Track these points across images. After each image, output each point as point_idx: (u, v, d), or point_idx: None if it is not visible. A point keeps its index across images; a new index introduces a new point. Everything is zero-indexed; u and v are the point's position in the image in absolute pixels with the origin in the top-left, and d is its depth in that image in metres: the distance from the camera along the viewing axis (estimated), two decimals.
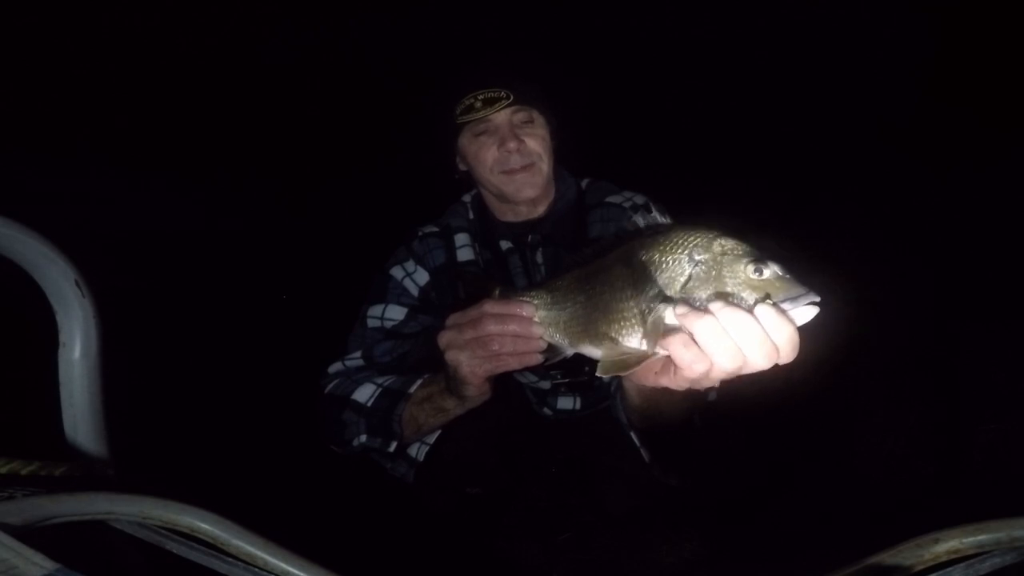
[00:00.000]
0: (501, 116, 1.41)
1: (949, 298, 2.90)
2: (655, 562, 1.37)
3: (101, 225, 2.61)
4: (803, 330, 0.69)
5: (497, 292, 1.01)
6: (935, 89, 4.42)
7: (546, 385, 1.55)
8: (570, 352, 0.93)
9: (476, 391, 1.08)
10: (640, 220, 0.85)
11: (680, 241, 0.76)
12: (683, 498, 1.45)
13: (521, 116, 1.43)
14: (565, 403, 1.56)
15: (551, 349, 0.95)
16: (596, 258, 0.89)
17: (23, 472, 0.72)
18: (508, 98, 1.39)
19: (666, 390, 0.83)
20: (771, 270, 0.70)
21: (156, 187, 3.51)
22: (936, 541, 0.60)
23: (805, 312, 0.69)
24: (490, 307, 0.97)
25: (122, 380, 0.94)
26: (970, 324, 2.69)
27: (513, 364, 0.98)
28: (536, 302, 0.95)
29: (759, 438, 2.04)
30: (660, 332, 0.74)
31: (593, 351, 0.87)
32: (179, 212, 3.49)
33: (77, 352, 0.87)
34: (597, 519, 1.40)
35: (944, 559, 0.60)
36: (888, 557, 0.60)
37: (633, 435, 1.44)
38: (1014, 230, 3.10)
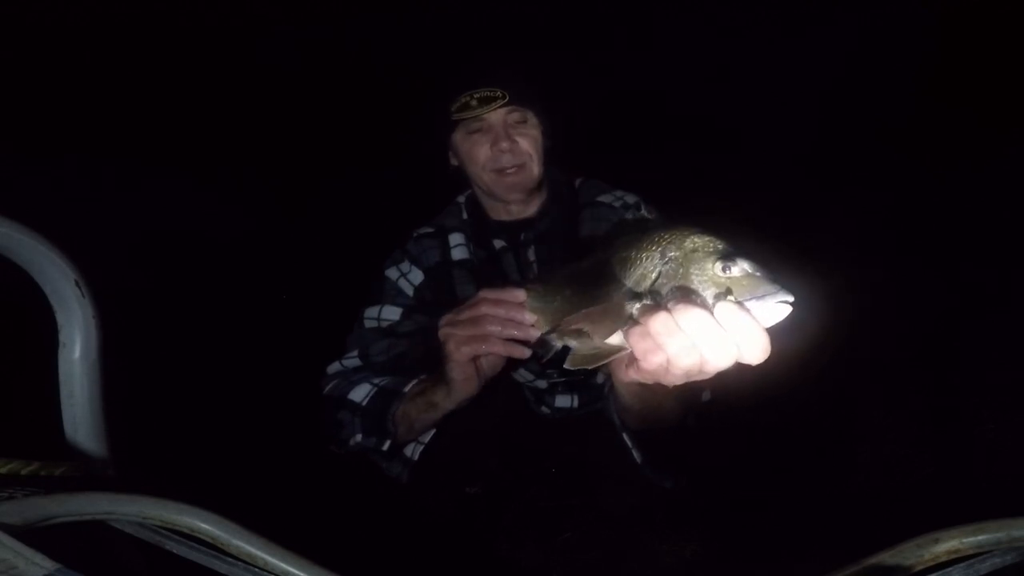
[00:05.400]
0: (495, 116, 1.42)
1: (948, 298, 2.90)
2: (655, 562, 1.38)
3: (101, 225, 2.61)
4: (777, 329, 0.67)
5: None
6: (934, 89, 4.43)
7: (543, 384, 1.55)
8: (559, 345, 0.94)
9: (460, 373, 1.09)
10: (630, 217, 0.88)
11: (655, 239, 0.77)
12: (683, 498, 1.45)
13: (515, 116, 1.44)
14: (563, 401, 1.57)
15: (542, 343, 0.98)
16: (589, 254, 0.91)
17: (23, 472, 0.72)
18: (503, 98, 1.39)
19: (657, 389, 0.84)
20: (739, 267, 0.69)
21: (156, 187, 3.50)
22: (936, 541, 0.60)
23: (774, 310, 0.67)
24: (486, 292, 1.03)
25: (122, 380, 0.94)
26: (970, 324, 2.69)
27: (500, 348, 1.02)
28: (531, 293, 0.99)
29: (759, 438, 2.04)
30: (626, 326, 0.75)
31: (576, 344, 0.88)
32: (179, 212, 3.48)
33: (77, 352, 0.87)
34: (597, 519, 1.40)
35: (944, 559, 0.59)
36: (888, 557, 0.59)
37: (625, 436, 1.43)
38: (1013, 230, 3.11)
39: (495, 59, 1.51)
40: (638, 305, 0.75)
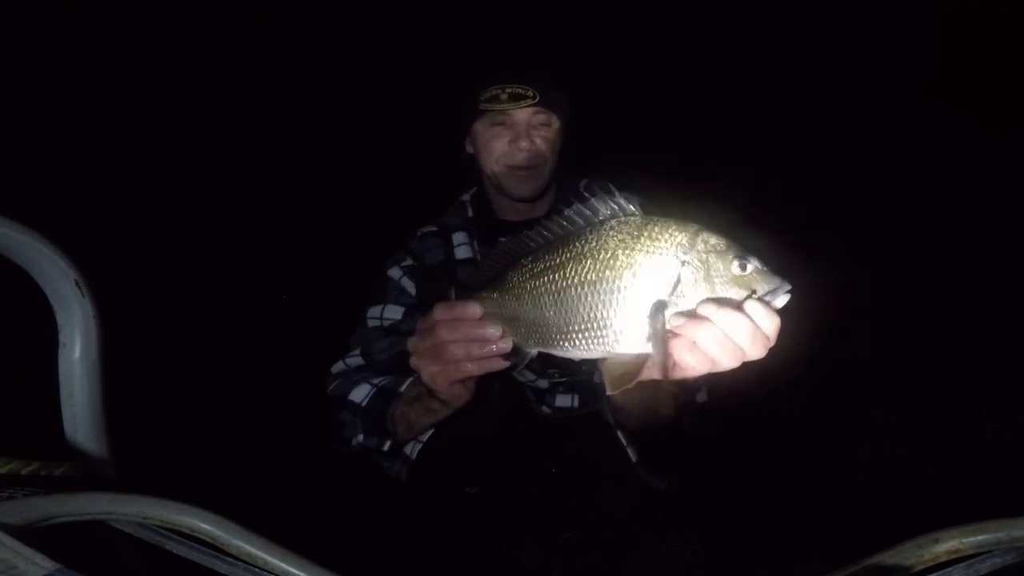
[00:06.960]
0: (522, 114, 1.44)
1: (948, 298, 2.90)
2: (655, 562, 1.38)
3: (101, 225, 2.61)
4: (784, 316, 0.74)
5: (452, 293, 0.96)
6: (934, 89, 4.42)
7: (544, 384, 1.55)
8: (535, 352, 0.89)
9: (448, 395, 1.06)
10: (601, 206, 0.80)
11: (662, 238, 0.75)
12: (683, 498, 1.45)
13: (540, 118, 1.46)
14: (564, 401, 1.57)
15: (516, 351, 0.90)
16: (546, 248, 0.83)
17: (23, 472, 0.72)
18: (534, 98, 1.41)
19: (652, 388, 0.83)
20: (752, 264, 0.73)
21: (156, 187, 3.50)
22: (936, 541, 0.60)
23: (782, 300, 0.74)
24: (439, 313, 0.93)
25: (122, 380, 0.94)
26: (970, 324, 2.69)
27: (473, 369, 0.93)
28: (487, 302, 0.90)
29: (759, 438, 2.04)
30: (661, 337, 0.74)
31: (565, 351, 0.83)
32: (180, 212, 3.49)
33: (77, 352, 0.87)
34: (597, 519, 1.40)
35: (944, 559, 0.59)
36: (888, 557, 0.59)
37: (620, 435, 1.45)
38: (1012, 230, 3.11)
39: (531, 59, 1.51)
40: (664, 314, 0.74)
